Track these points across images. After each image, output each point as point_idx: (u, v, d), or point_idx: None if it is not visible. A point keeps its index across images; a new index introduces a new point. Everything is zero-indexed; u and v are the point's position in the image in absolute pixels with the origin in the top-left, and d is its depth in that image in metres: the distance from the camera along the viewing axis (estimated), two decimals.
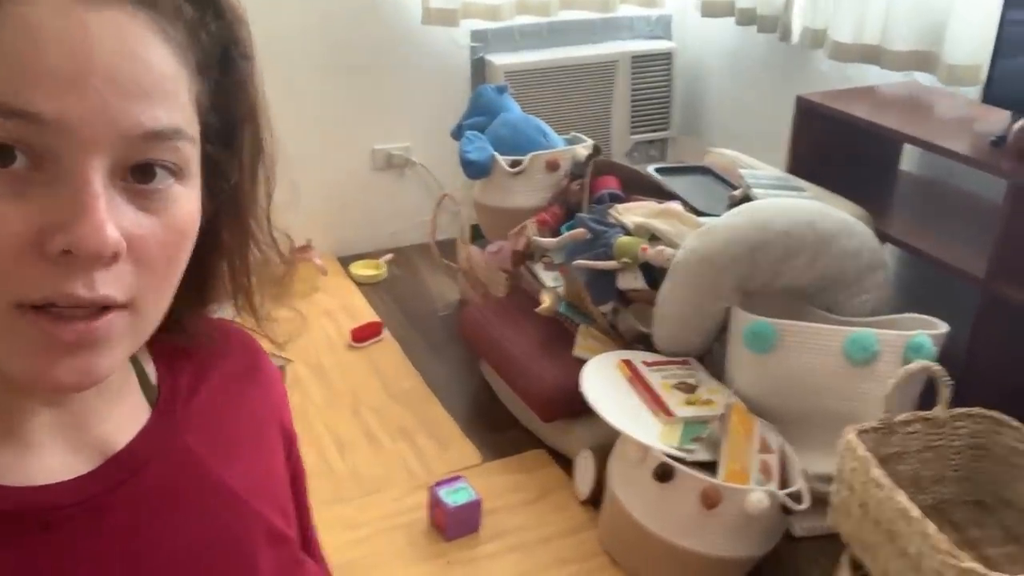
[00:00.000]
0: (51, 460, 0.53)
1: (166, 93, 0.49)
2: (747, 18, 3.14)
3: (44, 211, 0.46)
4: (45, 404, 0.54)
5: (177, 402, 0.61)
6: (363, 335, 2.88)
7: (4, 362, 0.48)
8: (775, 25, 3.02)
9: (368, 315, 3.05)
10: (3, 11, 0.44)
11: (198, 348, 0.64)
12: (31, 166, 0.46)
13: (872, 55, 2.66)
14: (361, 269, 3.33)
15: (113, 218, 0.47)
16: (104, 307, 0.48)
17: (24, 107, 0.44)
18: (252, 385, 0.66)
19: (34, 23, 0.44)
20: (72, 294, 0.46)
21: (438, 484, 2.11)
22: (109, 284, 0.48)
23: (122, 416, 0.58)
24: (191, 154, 0.51)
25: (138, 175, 0.49)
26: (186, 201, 0.51)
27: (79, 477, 0.54)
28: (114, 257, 0.47)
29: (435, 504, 2.09)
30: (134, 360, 0.60)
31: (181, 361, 0.63)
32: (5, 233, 0.45)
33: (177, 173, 0.50)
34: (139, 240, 0.48)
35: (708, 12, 3.26)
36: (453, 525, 2.06)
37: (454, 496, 2.07)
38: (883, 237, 2.33)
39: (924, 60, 2.56)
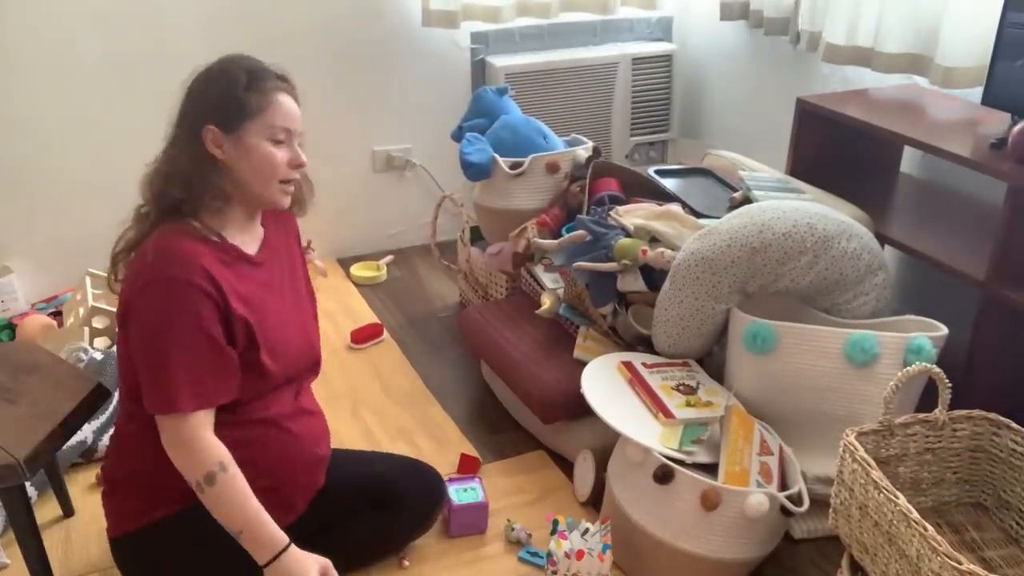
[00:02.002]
0: (249, 244, 1.71)
1: (299, 120, 1.69)
2: (756, 21, 3.15)
3: (292, 155, 1.66)
4: (251, 220, 1.72)
5: (268, 229, 1.76)
6: (363, 336, 2.88)
7: (272, 196, 1.66)
8: (785, 28, 3.02)
9: (368, 316, 3.05)
10: (275, 98, 1.63)
11: (279, 213, 1.80)
12: (285, 144, 1.65)
13: (864, 57, 2.66)
14: (361, 271, 3.33)
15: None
16: (293, 181, 1.69)
17: (289, 127, 1.65)
18: (289, 224, 1.85)
19: (284, 99, 1.65)
20: (293, 176, 1.67)
21: (451, 480, 2.12)
22: (297, 175, 1.69)
23: (259, 233, 1.75)
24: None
25: (300, 144, 1.68)
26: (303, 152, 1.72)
27: (259, 250, 1.72)
28: (305, 164, 1.68)
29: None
30: None
31: (270, 215, 1.78)
32: (283, 160, 1.64)
33: (302, 144, 1.70)
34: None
35: (727, 15, 3.26)
36: (456, 523, 2.06)
37: (462, 494, 2.08)
38: (883, 239, 2.33)
39: (917, 63, 2.56)
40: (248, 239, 1.70)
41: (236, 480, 1.55)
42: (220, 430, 1.59)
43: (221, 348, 1.57)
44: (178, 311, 1.52)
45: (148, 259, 1.55)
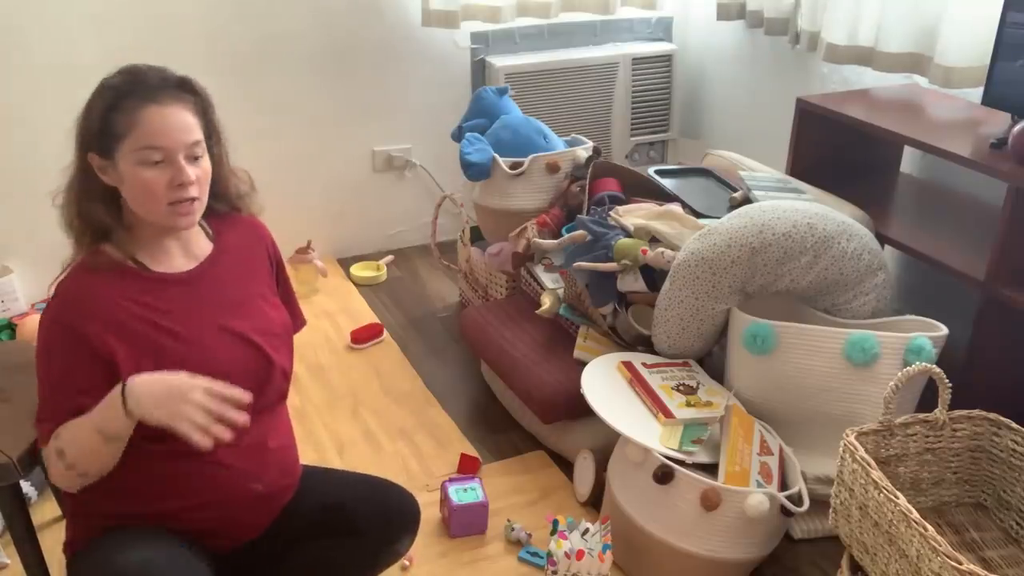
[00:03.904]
0: (180, 262, 1.57)
1: (194, 129, 1.49)
2: (755, 21, 3.15)
3: (172, 174, 1.47)
4: (175, 240, 1.56)
5: (221, 242, 1.63)
6: (363, 336, 2.88)
7: (165, 221, 1.49)
8: (785, 28, 3.02)
9: (368, 317, 3.05)
10: (141, 116, 1.45)
11: (234, 221, 1.67)
12: (163, 162, 1.46)
13: (865, 57, 2.66)
14: (361, 271, 3.33)
15: (189, 170, 1.48)
16: (192, 199, 1.49)
17: (160, 144, 1.46)
18: (253, 234, 1.70)
19: (152, 113, 1.45)
20: (183, 196, 1.48)
21: (451, 480, 2.13)
22: (192, 192, 1.49)
23: (200, 247, 1.61)
24: (204, 146, 1.52)
25: (191, 156, 1.49)
26: (205, 161, 1.52)
27: (189, 269, 1.57)
28: (191, 182, 1.48)
29: (443, 499, 2.11)
30: (203, 225, 1.62)
31: (224, 225, 1.65)
32: (161, 183, 1.46)
33: (201, 154, 1.51)
34: (196, 176, 1.49)
35: (723, 16, 3.26)
36: (456, 523, 2.06)
37: (462, 495, 2.08)
38: (883, 239, 2.33)
39: (917, 62, 2.56)
40: (176, 257, 1.57)
41: (70, 430, 1.45)
42: (146, 463, 1.49)
43: (81, 396, 1.45)
44: (50, 355, 1.48)
45: (51, 297, 1.51)
